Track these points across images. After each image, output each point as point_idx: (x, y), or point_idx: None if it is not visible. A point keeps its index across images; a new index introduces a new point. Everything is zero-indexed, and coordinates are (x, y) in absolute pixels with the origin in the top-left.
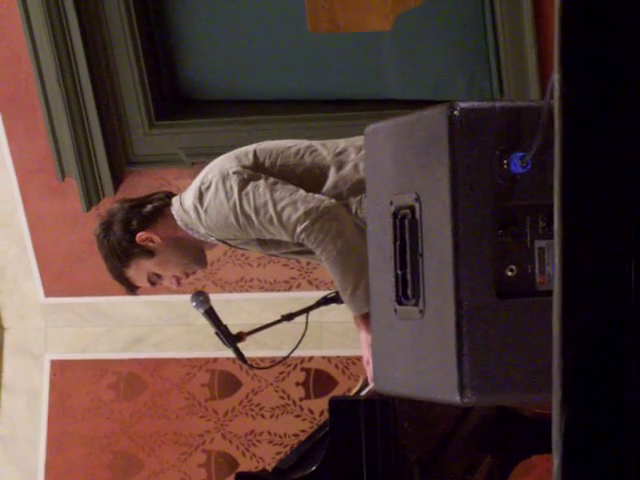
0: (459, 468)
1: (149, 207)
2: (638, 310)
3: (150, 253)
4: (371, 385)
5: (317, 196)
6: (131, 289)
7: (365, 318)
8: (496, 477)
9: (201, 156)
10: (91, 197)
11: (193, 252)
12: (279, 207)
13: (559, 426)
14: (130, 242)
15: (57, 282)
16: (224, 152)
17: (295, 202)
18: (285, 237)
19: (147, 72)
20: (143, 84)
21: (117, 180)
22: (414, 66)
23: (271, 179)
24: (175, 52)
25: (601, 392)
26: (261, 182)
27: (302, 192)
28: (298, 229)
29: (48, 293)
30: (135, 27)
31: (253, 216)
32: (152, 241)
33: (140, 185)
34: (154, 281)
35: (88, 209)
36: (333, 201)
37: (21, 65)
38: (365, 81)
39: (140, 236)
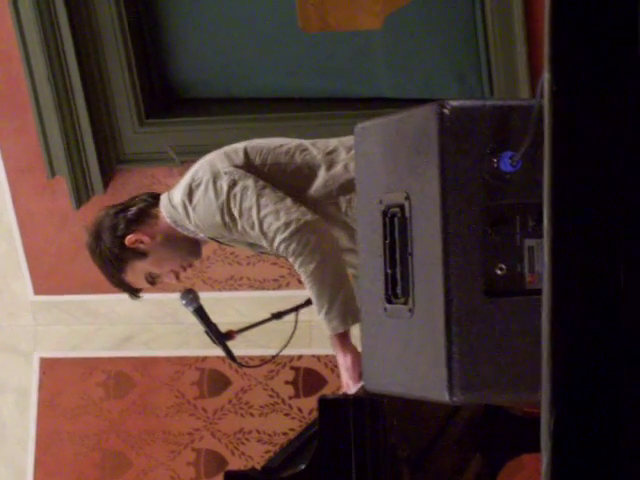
0: (448, 467)
1: (133, 209)
2: (628, 309)
3: (143, 254)
4: (359, 384)
5: (302, 208)
6: (133, 293)
7: (341, 339)
8: (485, 476)
9: (191, 154)
10: (81, 195)
11: (185, 245)
12: (262, 214)
13: (548, 425)
14: (121, 247)
15: (47, 280)
16: (213, 151)
17: (278, 211)
18: (265, 244)
19: (137, 70)
20: (133, 82)
21: (107, 178)
22: (405, 65)
23: (261, 182)
24: (165, 50)
25: (590, 391)
26: (250, 184)
27: (288, 201)
28: (277, 239)
29: (37, 291)
30: (125, 25)
31: (237, 218)
32: (142, 242)
33: (130, 183)
34: (152, 281)
35: (78, 207)
36: (317, 216)
37: (11, 63)
38: (356, 80)
39: (129, 239)
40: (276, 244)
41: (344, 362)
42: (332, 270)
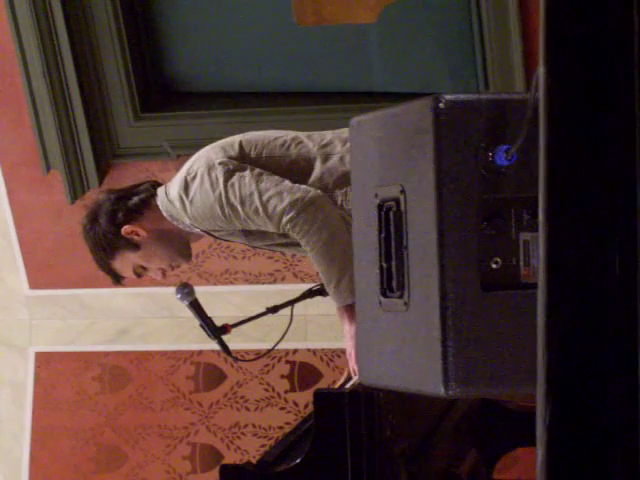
0: (444, 461)
1: (135, 199)
2: (623, 303)
3: (135, 246)
4: (355, 378)
5: (303, 187)
6: (117, 279)
7: (349, 309)
8: (480, 470)
9: (186, 148)
10: (76, 189)
11: (178, 245)
12: (265, 198)
13: (543, 418)
14: (115, 235)
15: (42, 274)
16: (209, 144)
17: (281, 193)
18: (270, 228)
19: (132, 64)
20: (128, 76)
21: (102, 172)
22: (400, 59)
23: (257, 170)
24: (161, 44)
25: (586, 384)
26: (247, 173)
27: (288, 183)
28: (284, 220)
29: (33, 285)
30: (121, 19)
31: (239, 207)
32: (137, 234)
33: (125, 177)
34: (139, 273)
35: (73, 201)
36: (319, 192)
37: (6, 57)
38: (351, 74)
39: (125, 229)
40: (283, 224)
41: (350, 331)
42: (340, 245)
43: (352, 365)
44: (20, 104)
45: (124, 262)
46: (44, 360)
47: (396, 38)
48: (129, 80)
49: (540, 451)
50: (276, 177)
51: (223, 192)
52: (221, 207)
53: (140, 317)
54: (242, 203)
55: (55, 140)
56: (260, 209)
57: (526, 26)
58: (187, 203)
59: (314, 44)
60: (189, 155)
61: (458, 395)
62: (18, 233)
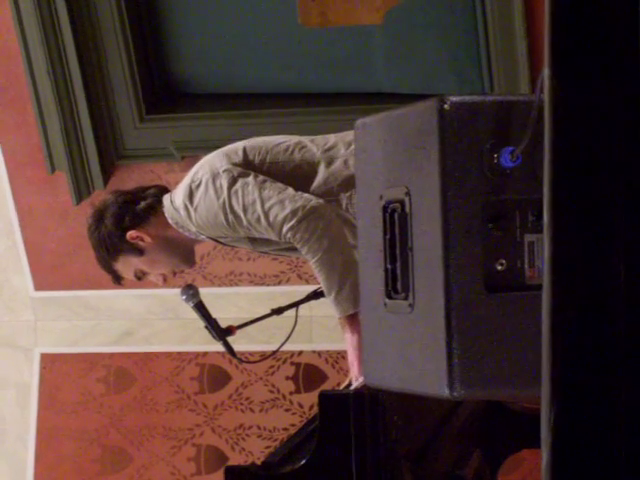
0: (448, 462)
1: (142, 204)
2: (628, 304)
3: (139, 251)
4: (356, 383)
5: (305, 195)
6: (117, 279)
7: (349, 319)
8: (485, 471)
9: (191, 150)
10: (81, 191)
11: (182, 252)
12: (267, 206)
13: (548, 420)
14: (120, 238)
15: (47, 275)
16: (215, 146)
17: (282, 201)
18: (272, 236)
19: (138, 65)
20: (134, 77)
21: (107, 174)
22: (405, 60)
23: (260, 177)
24: (166, 45)
25: (590, 386)
26: (250, 180)
27: (290, 191)
28: (284, 228)
29: (38, 287)
30: (126, 20)
31: (242, 215)
32: (142, 240)
33: (130, 179)
34: (140, 276)
35: (78, 203)
36: (321, 201)
37: (11, 58)
38: (356, 75)
39: (131, 234)
40: (284, 233)
41: (351, 341)
42: (340, 254)
43: (354, 374)
44: (25, 105)
45: (126, 265)
46: (49, 361)
47: (401, 39)
48: (134, 81)
49: (545, 453)
50: (279, 184)
51: (227, 200)
52: (225, 215)
53: (145, 318)
54: (245, 211)
55: (60, 141)
56: (262, 217)
57: (531, 28)
58: (192, 211)
59: (319, 46)
60: (194, 157)
61: (463, 397)
62: (23, 234)
